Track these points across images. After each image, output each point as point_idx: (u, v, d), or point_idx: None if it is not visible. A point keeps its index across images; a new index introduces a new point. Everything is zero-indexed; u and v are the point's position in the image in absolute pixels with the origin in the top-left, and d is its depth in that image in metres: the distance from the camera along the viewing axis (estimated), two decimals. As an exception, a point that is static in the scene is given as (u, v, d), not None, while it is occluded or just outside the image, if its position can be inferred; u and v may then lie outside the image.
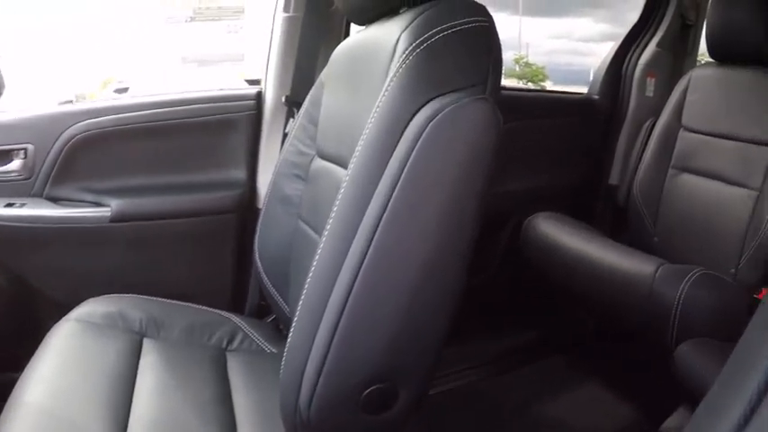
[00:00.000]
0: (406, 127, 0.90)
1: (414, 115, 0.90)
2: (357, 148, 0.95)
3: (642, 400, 2.01)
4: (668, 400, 1.70)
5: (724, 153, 2.11)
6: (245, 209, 1.86)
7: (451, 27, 0.94)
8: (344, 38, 1.77)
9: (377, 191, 0.89)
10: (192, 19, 2.24)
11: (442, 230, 0.89)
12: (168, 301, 1.54)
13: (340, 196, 0.95)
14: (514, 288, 2.27)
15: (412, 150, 0.88)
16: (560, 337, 2.36)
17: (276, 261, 1.42)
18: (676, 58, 2.54)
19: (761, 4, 1.99)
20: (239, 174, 1.88)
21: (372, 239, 0.87)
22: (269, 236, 1.48)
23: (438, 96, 0.90)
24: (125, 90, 2.92)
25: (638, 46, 2.49)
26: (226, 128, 1.87)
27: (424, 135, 0.87)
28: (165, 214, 1.80)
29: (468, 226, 0.90)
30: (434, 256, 0.89)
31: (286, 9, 1.82)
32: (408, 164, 0.87)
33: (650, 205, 2.24)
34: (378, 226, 0.87)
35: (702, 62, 2.60)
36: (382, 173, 0.89)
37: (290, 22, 1.83)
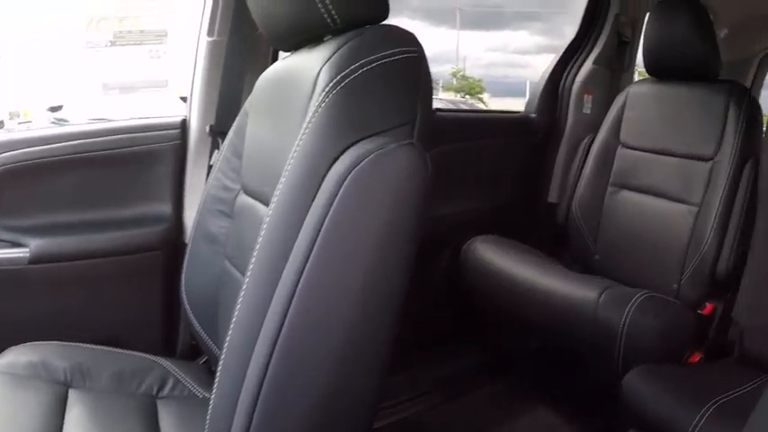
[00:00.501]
0: (326, 173, 0.84)
1: (334, 161, 0.84)
2: (277, 189, 0.89)
3: (590, 423, 1.97)
4: (617, 425, 1.67)
5: (663, 169, 2.11)
6: (172, 245, 1.76)
7: (376, 60, 0.88)
8: (271, 63, 1.71)
9: (298, 239, 0.83)
10: (113, 43, 2.14)
11: (368, 281, 0.83)
12: (94, 346, 1.44)
13: (261, 239, 0.90)
14: (455, 314, 2.22)
15: (333, 200, 0.81)
16: (504, 363, 2.31)
17: (204, 300, 1.34)
18: (613, 74, 2.54)
19: (695, 21, 2.02)
20: (165, 208, 1.78)
21: (297, 287, 0.82)
22: (195, 275, 1.40)
23: (360, 140, 0.84)
24: (59, 108, 2.83)
25: (574, 63, 2.48)
26: (149, 159, 1.77)
27: (345, 185, 0.81)
28: (88, 254, 1.69)
29: (397, 275, 0.85)
30: (361, 306, 0.84)
31: (210, 33, 1.74)
32: (329, 214, 0.81)
33: (590, 223, 2.23)
34: (302, 274, 0.81)
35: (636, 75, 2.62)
36: (303, 219, 0.83)
37: (214, 46, 1.75)
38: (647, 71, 2.23)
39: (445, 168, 2.01)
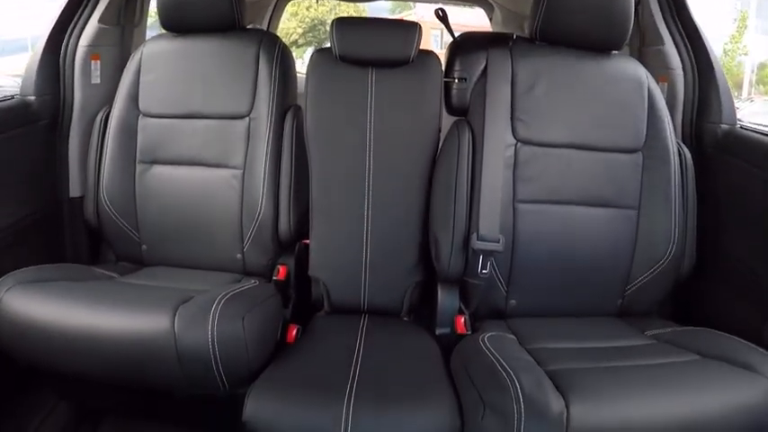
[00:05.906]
0: None
1: None
2: None
3: None
4: None
5: (196, 135, 1.93)
6: None
7: None
8: None
9: None
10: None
11: None
12: None
13: None
14: None
15: None
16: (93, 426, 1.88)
17: None
18: (124, 32, 2.16)
19: None
20: None
21: None
22: None
23: None
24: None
25: (75, 25, 1.99)
26: None
27: None
28: None
29: None
30: None
31: None
32: None
33: (126, 210, 1.94)
34: None
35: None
36: None
37: None
38: (163, 26, 1.97)
39: None
